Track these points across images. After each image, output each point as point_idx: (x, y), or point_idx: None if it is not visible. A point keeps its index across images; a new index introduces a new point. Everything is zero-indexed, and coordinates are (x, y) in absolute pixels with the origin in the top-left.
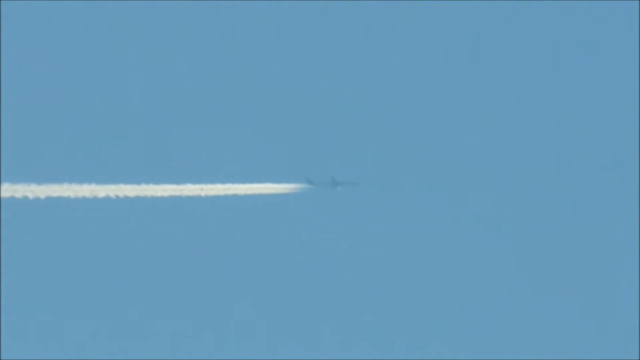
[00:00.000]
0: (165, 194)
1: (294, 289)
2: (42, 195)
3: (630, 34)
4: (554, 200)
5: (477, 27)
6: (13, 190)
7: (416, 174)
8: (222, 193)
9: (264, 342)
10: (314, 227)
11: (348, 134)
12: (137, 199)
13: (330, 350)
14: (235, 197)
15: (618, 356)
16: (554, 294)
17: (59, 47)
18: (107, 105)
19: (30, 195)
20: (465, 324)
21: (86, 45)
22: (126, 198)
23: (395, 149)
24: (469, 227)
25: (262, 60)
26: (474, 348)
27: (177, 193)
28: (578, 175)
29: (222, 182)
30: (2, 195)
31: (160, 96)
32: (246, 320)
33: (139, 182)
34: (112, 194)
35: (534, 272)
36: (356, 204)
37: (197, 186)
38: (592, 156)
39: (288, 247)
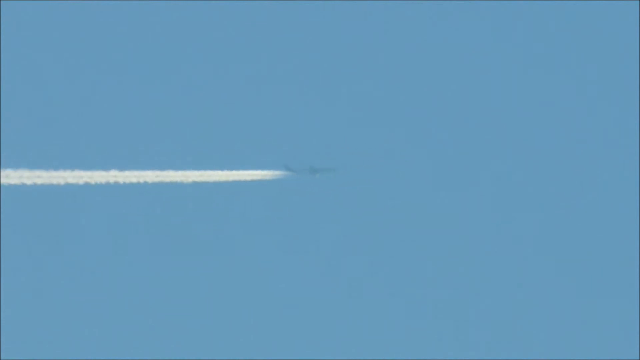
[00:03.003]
0: (143, 180)
1: (278, 281)
2: (41, 182)
3: (630, 34)
4: (554, 200)
5: (476, 26)
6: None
7: (397, 161)
8: (199, 180)
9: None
10: (296, 213)
11: (326, 121)
12: (110, 185)
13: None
14: (213, 184)
15: (618, 356)
16: (553, 293)
17: (58, 47)
18: (99, 103)
19: (28, 182)
20: (463, 323)
21: (86, 46)
22: (100, 185)
23: (373, 135)
24: (460, 218)
25: (242, 50)
26: (473, 348)
27: (155, 179)
28: (578, 176)
29: (200, 168)
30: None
31: (143, 85)
32: (230, 314)
33: (115, 169)
34: (90, 181)
35: (533, 272)
36: (335, 190)
37: (172, 173)
38: (592, 156)
39: (271, 234)
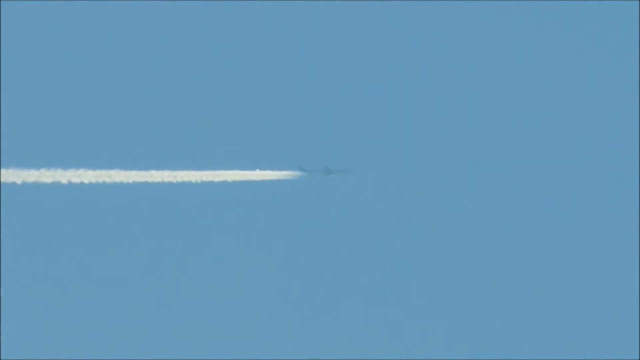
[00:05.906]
0: (154, 179)
1: (290, 281)
2: (40, 180)
3: (630, 34)
4: (554, 200)
5: (475, 26)
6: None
7: (410, 162)
8: (212, 180)
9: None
10: (310, 214)
11: (341, 122)
12: (122, 185)
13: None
14: (226, 184)
15: (618, 356)
16: (554, 293)
17: (58, 47)
18: (102, 99)
19: (19, 182)
20: (463, 323)
21: (86, 46)
22: (110, 184)
23: (387, 136)
24: (466, 218)
25: (254, 47)
26: (473, 347)
27: (166, 179)
28: (578, 176)
29: (213, 168)
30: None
31: (151, 82)
32: (239, 312)
33: (126, 168)
34: (98, 180)
35: (533, 271)
36: (348, 191)
37: (185, 172)
38: (592, 157)
39: (284, 234)
